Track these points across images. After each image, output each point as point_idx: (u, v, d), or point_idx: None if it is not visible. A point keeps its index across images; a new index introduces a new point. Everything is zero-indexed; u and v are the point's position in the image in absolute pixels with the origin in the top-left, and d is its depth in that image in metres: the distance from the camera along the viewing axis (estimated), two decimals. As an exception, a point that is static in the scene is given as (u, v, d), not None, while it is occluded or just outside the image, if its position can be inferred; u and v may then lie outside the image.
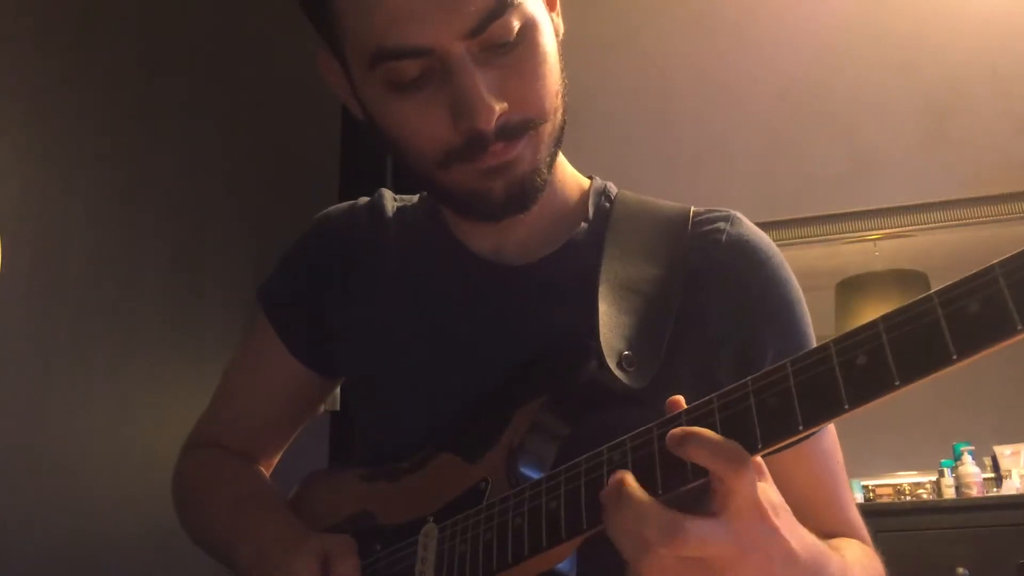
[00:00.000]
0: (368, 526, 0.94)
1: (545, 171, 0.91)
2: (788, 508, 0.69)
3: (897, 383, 0.56)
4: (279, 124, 2.41)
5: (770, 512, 0.65)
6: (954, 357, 0.53)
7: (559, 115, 0.91)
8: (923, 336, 0.54)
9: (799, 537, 0.69)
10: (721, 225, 0.97)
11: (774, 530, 0.65)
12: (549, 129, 0.90)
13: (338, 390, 1.28)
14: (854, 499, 0.98)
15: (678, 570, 0.64)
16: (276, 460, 1.21)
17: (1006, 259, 0.52)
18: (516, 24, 0.84)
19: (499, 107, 0.84)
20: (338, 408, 2.27)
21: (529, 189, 0.90)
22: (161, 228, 1.92)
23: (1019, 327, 0.50)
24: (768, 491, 0.67)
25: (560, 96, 0.91)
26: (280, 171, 2.37)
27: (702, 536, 0.62)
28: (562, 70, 0.92)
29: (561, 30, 0.95)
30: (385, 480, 0.97)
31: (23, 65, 1.61)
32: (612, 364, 0.84)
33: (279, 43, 2.44)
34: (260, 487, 1.12)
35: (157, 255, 1.90)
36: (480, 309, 0.99)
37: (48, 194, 1.65)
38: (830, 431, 0.96)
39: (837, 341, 0.61)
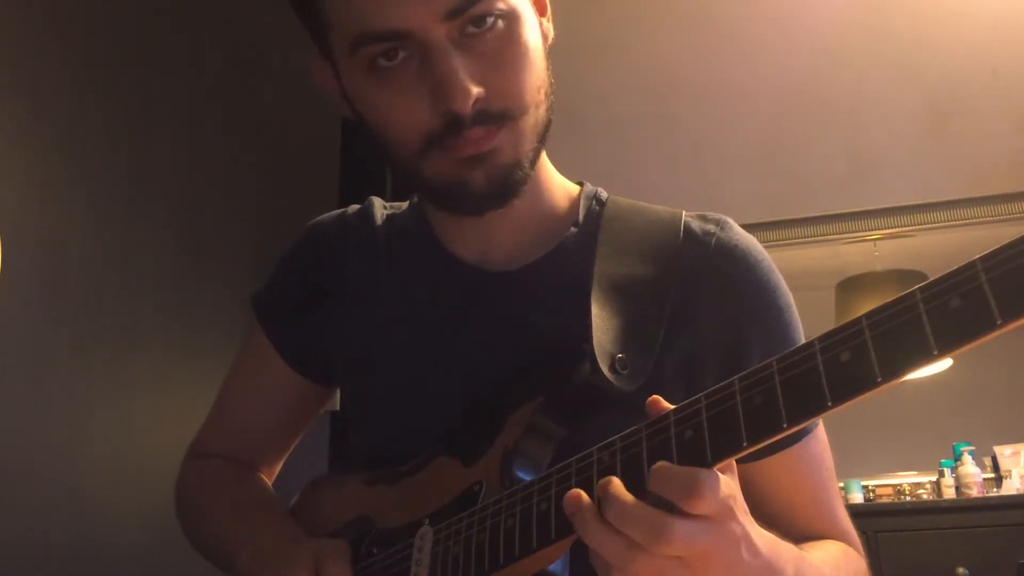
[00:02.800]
0: (367, 530, 0.94)
1: (527, 165, 0.91)
2: (743, 502, 0.70)
3: (879, 379, 0.56)
4: (280, 126, 2.41)
5: (737, 513, 0.66)
6: (935, 352, 0.53)
7: (542, 111, 0.91)
8: (904, 332, 0.55)
9: (756, 531, 0.70)
10: (711, 229, 0.97)
11: (741, 527, 0.67)
12: (531, 123, 0.90)
13: (339, 390, 1.29)
14: (843, 505, 0.98)
15: (666, 569, 0.65)
16: (278, 467, 1.21)
17: (988, 254, 0.53)
18: (498, 9, 0.85)
19: (476, 90, 0.84)
20: (338, 408, 2.27)
21: (510, 182, 0.90)
22: (161, 228, 1.93)
23: (999, 321, 0.51)
24: (731, 486, 0.67)
25: (543, 92, 0.91)
26: (280, 172, 2.37)
27: (689, 536, 0.64)
28: (548, 69, 0.92)
29: (551, 35, 0.96)
30: (384, 484, 0.97)
31: (23, 65, 1.61)
32: (605, 367, 0.84)
33: (280, 44, 2.45)
34: (260, 494, 1.12)
35: (157, 255, 1.91)
36: (469, 315, 0.99)
37: (48, 194, 1.65)
38: (820, 438, 0.96)
39: (822, 338, 0.61)
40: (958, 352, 0.53)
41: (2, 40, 1.58)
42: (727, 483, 0.66)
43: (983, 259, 0.52)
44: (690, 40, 3.95)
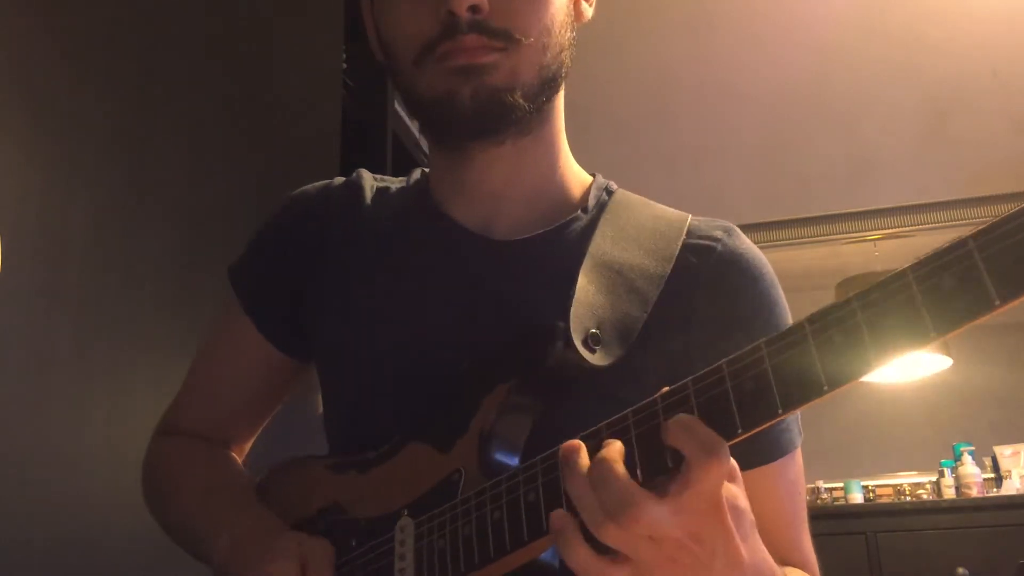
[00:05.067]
0: (341, 520, 0.92)
1: (520, 97, 0.90)
2: (753, 519, 0.68)
3: (874, 362, 0.55)
4: (281, 125, 2.41)
5: (728, 513, 0.64)
6: (932, 334, 0.52)
7: (549, 55, 0.92)
8: (900, 313, 0.54)
9: (752, 548, 0.68)
10: (718, 234, 0.95)
11: (727, 531, 0.64)
12: (533, 55, 0.90)
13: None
14: (809, 534, 0.95)
15: (633, 541, 0.63)
16: (249, 445, 1.18)
17: (979, 231, 0.51)
18: None
19: None
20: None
21: (500, 105, 0.90)
22: (162, 228, 1.92)
23: (996, 301, 0.50)
24: (735, 493, 0.66)
25: (553, 36, 0.92)
26: (281, 170, 2.37)
27: (656, 519, 0.62)
28: (569, 27, 0.95)
29: (587, 14, 1.00)
30: (355, 471, 0.94)
31: (23, 64, 1.61)
32: (578, 341, 0.82)
33: (282, 42, 2.45)
34: (231, 476, 1.09)
35: (158, 255, 1.90)
36: (460, 283, 0.96)
37: (48, 194, 1.65)
38: (797, 463, 0.94)
39: (812, 320, 0.59)
40: (954, 334, 0.51)
41: (2, 39, 1.58)
42: (728, 486, 0.65)
43: (974, 237, 0.51)
44: (690, 40, 3.96)
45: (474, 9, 0.87)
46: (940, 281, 0.52)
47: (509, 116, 0.91)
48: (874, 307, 0.55)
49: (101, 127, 1.79)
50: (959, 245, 0.52)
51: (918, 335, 0.53)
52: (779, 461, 0.91)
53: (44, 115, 1.66)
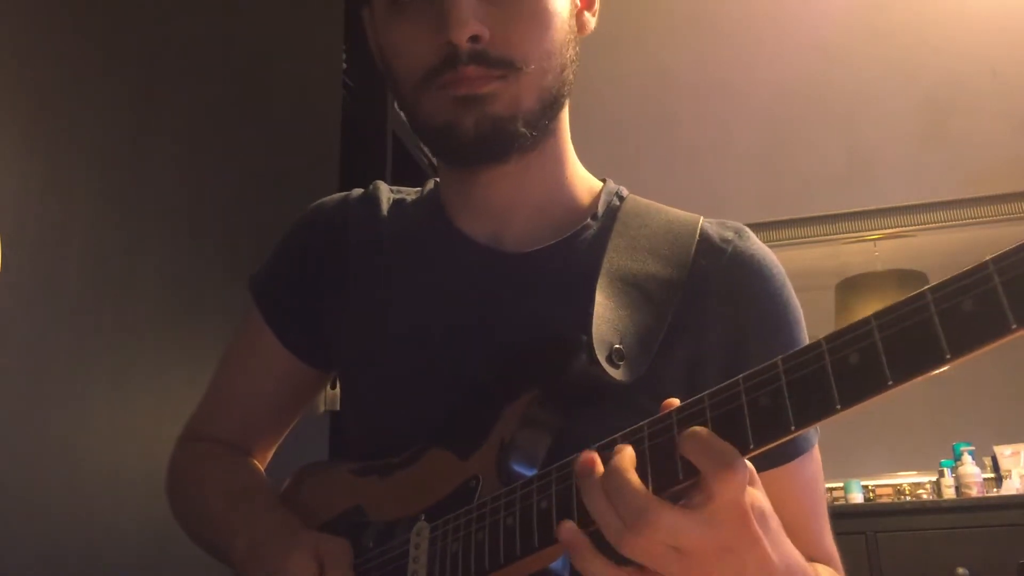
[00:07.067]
0: (360, 523, 0.93)
1: (521, 124, 0.90)
2: (777, 519, 0.69)
3: (890, 383, 0.55)
4: (280, 124, 2.41)
5: (754, 519, 0.65)
6: (948, 356, 0.52)
7: (551, 77, 0.91)
8: (916, 335, 0.54)
9: (782, 550, 0.68)
10: (729, 236, 0.95)
11: (755, 537, 0.65)
12: (533, 82, 0.90)
13: (339, 390, 1.27)
14: (831, 530, 0.96)
15: (657, 555, 0.64)
16: (271, 452, 1.19)
17: (1000, 255, 0.51)
18: None
19: (475, 25, 0.86)
20: (338, 408, 2.26)
21: (502, 134, 0.89)
22: (162, 227, 1.92)
23: (1013, 326, 0.50)
24: (758, 498, 0.66)
25: (554, 59, 0.91)
26: (281, 170, 2.37)
27: (674, 527, 0.63)
28: (572, 50, 0.94)
29: (589, 27, 0.99)
30: (377, 475, 0.95)
31: (23, 64, 1.61)
32: (602, 358, 0.82)
33: (282, 42, 2.44)
34: (254, 481, 1.10)
35: (158, 255, 1.90)
36: (474, 297, 0.97)
37: (48, 194, 1.64)
38: (815, 460, 0.95)
39: (829, 339, 0.59)
40: (971, 356, 0.51)
41: (2, 39, 1.58)
42: (751, 491, 0.65)
43: (995, 260, 0.51)
44: (690, 40, 3.96)
45: (474, 39, 0.86)
46: (959, 304, 0.52)
47: (512, 144, 0.91)
48: (891, 328, 0.55)
49: (101, 127, 1.79)
50: (979, 268, 0.52)
51: (934, 357, 0.53)
52: (796, 460, 0.91)
53: (44, 115, 1.66)
